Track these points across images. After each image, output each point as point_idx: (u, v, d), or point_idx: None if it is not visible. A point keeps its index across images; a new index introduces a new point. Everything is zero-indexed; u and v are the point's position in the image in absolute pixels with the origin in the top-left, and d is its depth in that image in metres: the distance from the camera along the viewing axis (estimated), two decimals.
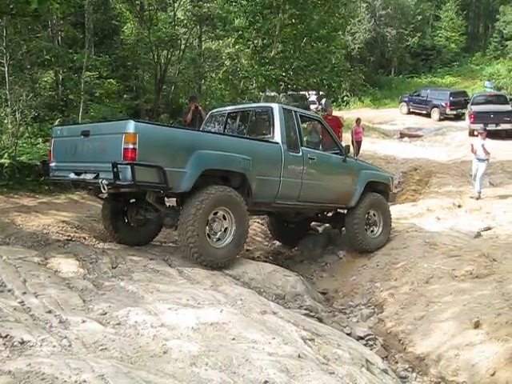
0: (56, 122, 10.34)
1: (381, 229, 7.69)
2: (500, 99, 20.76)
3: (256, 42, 16.51)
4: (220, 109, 7.91)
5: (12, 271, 4.62)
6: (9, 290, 4.18)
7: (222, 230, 5.70)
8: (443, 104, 24.82)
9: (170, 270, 5.41)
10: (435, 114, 25.21)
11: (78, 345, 3.25)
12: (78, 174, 5.60)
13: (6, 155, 8.69)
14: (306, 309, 5.48)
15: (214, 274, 5.39)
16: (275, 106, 6.55)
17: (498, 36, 37.61)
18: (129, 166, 4.86)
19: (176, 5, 15.77)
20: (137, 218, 6.42)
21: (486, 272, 6.06)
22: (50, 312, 3.78)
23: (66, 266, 5.13)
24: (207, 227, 5.52)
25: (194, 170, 5.35)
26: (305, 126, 7.55)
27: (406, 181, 13.71)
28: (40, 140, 9.97)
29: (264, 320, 4.14)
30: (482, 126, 13.62)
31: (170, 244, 7.18)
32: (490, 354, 4.25)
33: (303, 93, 20.28)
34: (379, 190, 7.81)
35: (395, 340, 5.16)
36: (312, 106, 21.08)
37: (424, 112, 25.90)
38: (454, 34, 38.47)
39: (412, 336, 5.06)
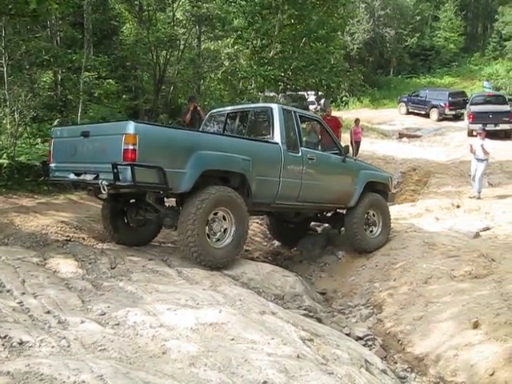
0: (55, 123, 10.34)
1: (380, 229, 7.70)
2: (499, 99, 20.79)
3: (255, 42, 16.51)
4: (219, 109, 7.91)
5: (11, 272, 4.62)
6: (7, 291, 4.17)
7: (222, 230, 5.70)
8: (442, 104, 24.86)
9: (168, 270, 5.41)
10: (434, 114, 25.24)
11: (76, 345, 3.25)
12: (77, 174, 5.60)
13: (4, 155, 8.68)
14: (304, 309, 5.49)
15: (212, 274, 5.39)
16: (275, 107, 6.56)
17: (496, 36, 37.69)
18: (129, 167, 4.86)
19: (175, 5, 15.75)
20: (136, 218, 6.42)
21: (485, 272, 6.06)
22: (48, 312, 3.78)
23: (65, 266, 5.12)
24: (207, 227, 5.53)
25: (194, 170, 5.35)
26: (304, 126, 7.54)
27: (405, 181, 13.71)
28: (39, 140, 9.96)
29: (263, 320, 4.14)
30: (480, 126, 13.65)
31: (169, 244, 7.17)
32: (488, 354, 4.25)
33: (302, 93, 20.27)
34: (378, 190, 7.81)
35: (394, 340, 5.16)
36: (311, 107, 21.06)
37: (423, 112, 25.93)
38: (452, 35, 38.51)
39: (411, 336, 5.06)
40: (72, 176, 5.68)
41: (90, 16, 13.14)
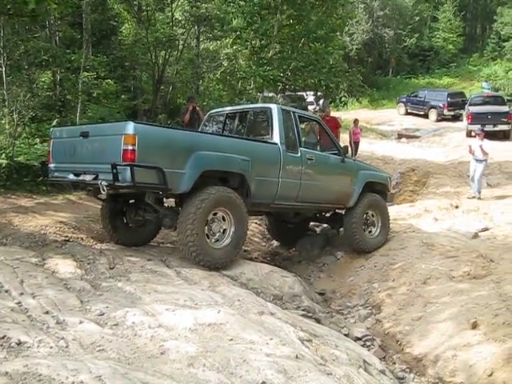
0: (54, 123, 10.32)
1: (379, 229, 7.70)
2: (497, 100, 20.81)
3: (254, 42, 16.52)
4: (218, 109, 7.92)
5: (9, 272, 4.61)
6: (6, 291, 4.17)
7: (221, 231, 5.71)
8: (441, 105, 24.88)
9: (167, 270, 5.40)
10: (433, 114, 25.26)
11: (75, 346, 3.25)
12: (77, 175, 5.60)
13: (3, 156, 8.68)
14: (303, 309, 5.49)
15: (211, 274, 5.39)
16: (274, 107, 6.56)
17: (495, 37, 37.73)
18: (128, 168, 4.86)
19: (174, 5, 15.75)
20: (136, 218, 6.42)
21: (484, 273, 6.07)
22: (47, 313, 3.78)
23: (64, 266, 5.12)
24: (206, 227, 5.53)
25: (193, 171, 5.36)
26: (303, 126, 7.55)
27: (404, 181, 13.72)
28: (38, 140, 9.95)
29: (262, 321, 4.14)
30: (479, 126, 13.66)
31: (168, 245, 7.17)
32: (487, 354, 4.26)
33: (301, 93, 20.28)
34: (377, 190, 7.82)
35: (393, 341, 5.16)
36: (310, 107, 21.08)
37: (422, 113, 25.96)
38: (451, 35, 38.54)
39: (410, 337, 5.06)
40: (71, 176, 5.68)
41: (88, 16, 13.13)
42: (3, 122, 9.57)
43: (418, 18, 38.90)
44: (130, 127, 4.97)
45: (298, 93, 19.65)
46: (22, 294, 4.11)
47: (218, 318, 3.91)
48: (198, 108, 10.70)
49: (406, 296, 5.89)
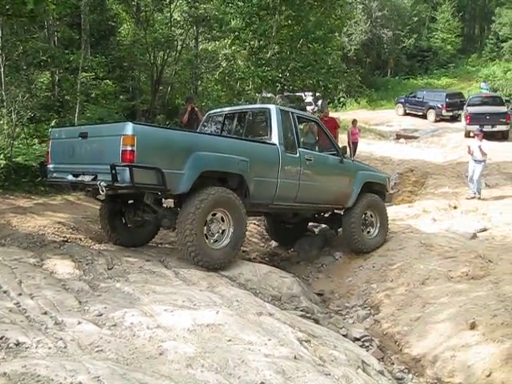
0: (52, 123, 10.30)
1: (377, 230, 7.71)
2: (496, 101, 20.83)
3: (252, 43, 16.51)
4: (217, 110, 7.92)
5: (7, 272, 4.60)
6: (4, 292, 4.16)
7: (220, 231, 5.71)
8: (439, 105, 24.92)
9: (166, 271, 5.40)
10: (431, 115, 25.30)
11: (73, 346, 3.24)
12: (75, 175, 5.60)
13: (1, 156, 8.66)
14: (302, 310, 5.49)
15: (210, 275, 5.39)
16: (272, 108, 6.56)
17: (493, 38, 37.76)
18: (127, 168, 4.86)
19: (172, 6, 15.74)
20: (134, 219, 6.42)
21: (482, 273, 6.07)
22: (45, 313, 3.77)
23: (62, 267, 5.12)
24: (205, 228, 5.53)
25: (192, 171, 5.36)
26: (302, 127, 7.55)
27: (402, 182, 13.73)
28: (36, 141, 9.95)
29: (260, 321, 4.14)
30: (477, 127, 13.68)
31: (167, 245, 7.17)
32: (485, 355, 4.26)
33: (299, 94, 20.29)
34: (376, 190, 7.83)
35: (391, 341, 5.16)
36: (308, 108, 21.08)
37: (420, 113, 25.99)
38: (450, 36, 38.60)
39: (408, 337, 5.06)
40: (70, 177, 5.68)
41: (87, 16, 13.11)
42: (1, 122, 9.55)
43: (416, 19, 38.95)
44: (129, 128, 4.97)
45: (297, 93, 19.65)
46: (20, 294, 4.11)
47: (217, 319, 3.91)
48: (196, 108, 10.70)
49: (405, 296, 5.89)
